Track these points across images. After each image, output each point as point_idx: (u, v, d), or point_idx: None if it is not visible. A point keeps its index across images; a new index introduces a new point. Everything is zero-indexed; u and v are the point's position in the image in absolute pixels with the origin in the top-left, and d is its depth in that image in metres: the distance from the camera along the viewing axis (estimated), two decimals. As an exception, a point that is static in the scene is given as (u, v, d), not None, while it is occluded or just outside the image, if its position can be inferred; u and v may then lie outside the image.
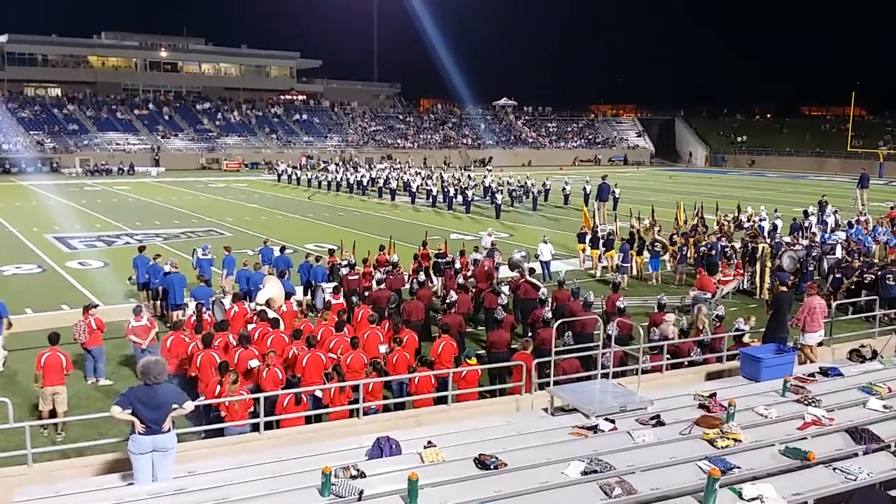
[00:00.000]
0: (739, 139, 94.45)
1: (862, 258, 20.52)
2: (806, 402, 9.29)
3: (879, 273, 18.56)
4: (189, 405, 7.72)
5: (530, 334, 14.96)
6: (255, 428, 9.77)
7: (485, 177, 48.04)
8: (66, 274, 23.13)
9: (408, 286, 18.17)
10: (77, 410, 11.56)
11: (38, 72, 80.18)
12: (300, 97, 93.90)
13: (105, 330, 13.90)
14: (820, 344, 13.31)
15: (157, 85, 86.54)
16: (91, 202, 42.71)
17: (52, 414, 11.13)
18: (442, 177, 49.99)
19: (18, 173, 59.35)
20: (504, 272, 20.25)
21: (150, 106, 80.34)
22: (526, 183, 44.69)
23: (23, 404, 11.15)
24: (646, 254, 23.22)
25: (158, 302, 18.13)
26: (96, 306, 14.37)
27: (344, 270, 18.33)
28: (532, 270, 18.14)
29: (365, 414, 10.40)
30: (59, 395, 11.30)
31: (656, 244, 23.14)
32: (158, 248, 23.89)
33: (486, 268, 18.74)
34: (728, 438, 7.89)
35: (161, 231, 31.67)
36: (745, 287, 21.56)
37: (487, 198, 42.35)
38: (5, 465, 8.29)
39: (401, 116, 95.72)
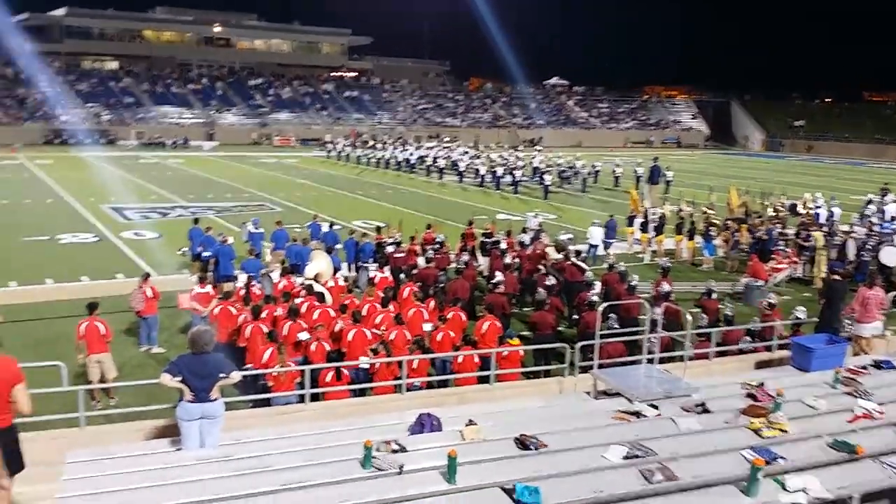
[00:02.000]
0: (797, 124, 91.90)
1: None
2: (857, 394, 9.07)
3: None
4: (236, 375, 7.87)
5: (576, 316, 14.93)
6: (302, 399, 9.93)
7: (533, 157, 47.69)
8: (121, 244, 23.71)
9: (454, 265, 18.21)
10: (130, 377, 11.88)
11: (95, 45, 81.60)
12: (351, 74, 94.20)
13: (160, 298, 14.26)
14: (881, 336, 12.97)
15: (210, 60, 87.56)
16: (146, 174, 43.60)
17: (103, 381, 11.48)
18: (490, 156, 49.77)
19: (76, 145, 60.75)
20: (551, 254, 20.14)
21: (204, 81, 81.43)
22: (575, 164, 44.24)
23: (76, 368, 11.49)
24: (698, 238, 22.85)
25: (209, 273, 18.48)
26: (149, 276, 14.75)
27: (390, 248, 18.44)
28: (577, 252, 18.03)
29: (408, 390, 10.49)
30: (105, 363, 11.61)
31: (711, 229, 22.76)
32: (211, 221, 24.31)
33: (537, 251, 18.63)
34: (774, 429, 7.76)
35: (214, 204, 32.23)
36: (798, 276, 21.10)
37: (536, 178, 42.05)
38: (59, 426, 8.58)
39: (450, 95, 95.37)
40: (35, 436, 8.03)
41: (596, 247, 21.99)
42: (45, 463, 6.35)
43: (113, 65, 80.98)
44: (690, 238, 22.91)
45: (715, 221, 23.43)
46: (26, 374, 6.68)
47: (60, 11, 78.80)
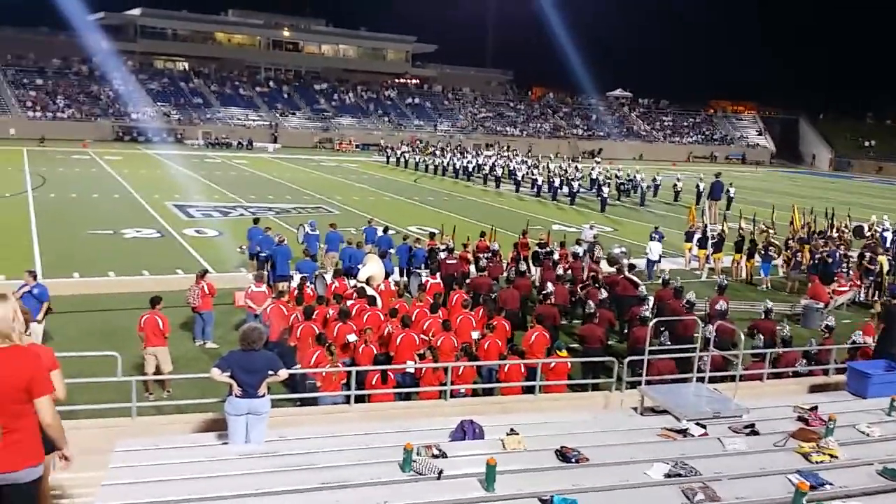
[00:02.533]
0: (867, 143, 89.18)
1: None
2: (914, 423, 8.78)
3: None
4: (283, 373, 8.01)
5: (626, 331, 14.76)
6: (347, 400, 10.06)
7: (592, 168, 47.31)
8: (183, 240, 24.33)
9: (505, 274, 18.18)
10: (184, 370, 12.17)
11: (167, 45, 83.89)
12: (414, 81, 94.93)
13: (216, 294, 14.59)
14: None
15: (278, 63, 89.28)
16: (210, 174, 44.66)
17: (158, 373, 11.81)
18: (548, 167, 49.57)
19: (145, 142, 62.58)
20: (603, 267, 19.96)
21: (271, 84, 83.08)
22: (635, 177, 43.74)
23: (130, 360, 11.84)
24: (757, 257, 22.35)
25: (266, 272, 18.85)
26: (206, 273, 15.11)
27: (442, 254, 18.52)
28: (632, 266, 17.82)
29: (453, 396, 10.52)
30: (161, 356, 11.88)
31: (770, 248, 22.22)
32: (270, 222, 24.78)
33: (589, 266, 18.47)
34: (824, 454, 7.55)
35: (273, 205, 32.83)
36: (861, 299, 20.46)
37: (594, 190, 41.72)
38: (111, 415, 8.87)
39: (511, 103, 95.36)
40: (86, 423, 8.32)
41: (655, 262, 21.64)
42: (94, 451, 6.56)
43: (184, 65, 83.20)
44: (749, 257, 22.43)
45: (774, 241, 22.86)
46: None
47: (136, 11, 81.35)
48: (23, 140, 56.50)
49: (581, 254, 19.48)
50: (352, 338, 11.72)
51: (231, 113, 74.78)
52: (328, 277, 15.61)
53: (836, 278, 19.80)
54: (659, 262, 21.64)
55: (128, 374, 10.04)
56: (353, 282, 15.59)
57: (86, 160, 47.89)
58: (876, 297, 19.53)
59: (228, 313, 15.74)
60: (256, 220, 20.83)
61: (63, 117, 65.40)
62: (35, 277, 13.08)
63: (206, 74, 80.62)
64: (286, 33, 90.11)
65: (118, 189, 35.36)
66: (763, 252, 22.10)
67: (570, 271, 17.93)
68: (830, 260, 21.03)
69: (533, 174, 45.98)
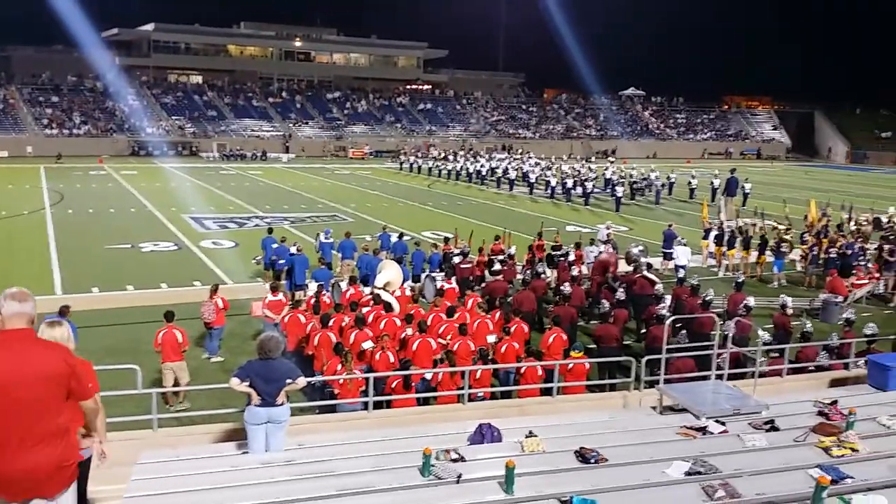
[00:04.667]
0: (884, 135, 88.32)
1: None
2: (936, 414, 8.69)
3: None
4: (302, 381, 8.06)
5: (643, 330, 14.72)
6: (366, 407, 10.10)
7: (606, 168, 47.24)
8: (200, 252, 24.52)
9: (520, 277, 18.18)
10: (203, 381, 12.27)
11: (181, 59, 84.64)
12: (426, 87, 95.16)
13: (229, 308, 14.65)
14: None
15: (290, 74, 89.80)
16: (225, 185, 44.97)
17: (177, 386, 11.90)
18: (561, 168, 49.51)
19: (160, 156, 63.08)
20: (621, 266, 19.88)
21: (284, 94, 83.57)
22: (649, 175, 43.56)
23: (151, 373, 11.94)
24: (768, 253, 22.14)
25: (282, 281, 18.96)
26: (219, 287, 15.12)
27: (457, 259, 18.54)
28: (649, 265, 17.76)
29: (471, 400, 10.54)
30: (178, 371, 11.96)
31: (783, 244, 22.00)
32: (285, 231, 24.91)
33: (602, 260, 18.43)
34: (845, 447, 7.50)
35: (289, 215, 33.01)
36: (880, 292, 20.27)
37: (608, 190, 41.62)
38: (133, 428, 8.96)
39: (524, 106, 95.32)
40: (109, 436, 8.38)
41: (683, 267, 20.71)
42: (117, 463, 6.62)
43: (197, 78, 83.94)
44: (761, 253, 22.21)
45: (786, 237, 22.60)
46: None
47: (148, 27, 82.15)
48: (40, 157, 57.21)
49: (596, 254, 19.39)
50: (367, 345, 11.75)
51: (245, 124, 75.27)
52: (344, 285, 15.66)
53: (854, 271, 19.62)
54: (685, 267, 20.92)
55: (148, 386, 10.13)
56: (368, 289, 15.65)
57: (102, 175, 48.39)
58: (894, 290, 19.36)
59: (245, 324, 15.85)
60: (270, 231, 20.97)
61: (79, 134, 66.15)
62: (63, 314, 12.95)
63: (219, 87, 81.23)
64: (298, 44, 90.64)
65: (134, 203, 35.70)
66: (776, 248, 21.86)
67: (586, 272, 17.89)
68: (849, 252, 20.87)
69: (546, 176, 45.93)
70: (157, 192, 40.30)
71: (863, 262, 20.34)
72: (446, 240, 21.67)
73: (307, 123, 78.92)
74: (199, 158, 64.79)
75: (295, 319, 13.03)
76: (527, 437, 7.88)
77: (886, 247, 21.18)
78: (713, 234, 23.59)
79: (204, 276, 20.47)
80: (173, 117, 72.61)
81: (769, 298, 18.59)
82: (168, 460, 7.42)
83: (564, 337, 12.46)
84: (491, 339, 12.48)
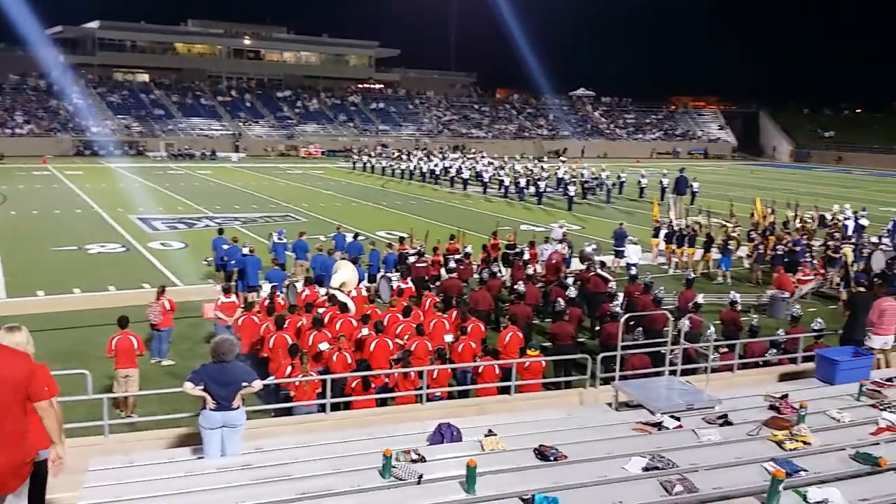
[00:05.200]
0: (826, 135, 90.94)
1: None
2: (881, 406, 8.94)
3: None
4: (258, 384, 7.95)
5: (598, 328, 14.88)
6: (323, 409, 10.00)
7: (558, 168, 47.67)
8: (148, 254, 24.03)
9: (476, 276, 18.22)
10: (154, 386, 12.02)
11: (126, 57, 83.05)
12: (378, 86, 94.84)
13: (176, 310, 14.34)
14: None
15: (240, 72, 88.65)
16: (174, 185, 44.17)
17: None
18: (514, 167, 49.82)
19: (106, 156, 61.65)
20: (575, 265, 20.07)
21: (233, 93, 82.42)
22: (600, 175, 44.13)
23: (101, 377, 11.64)
24: (714, 251, 22.54)
25: (234, 283, 18.67)
26: (166, 288, 14.75)
27: (412, 258, 18.50)
28: (602, 264, 17.97)
29: (429, 400, 10.51)
30: (131, 378, 11.63)
31: (730, 242, 22.39)
32: (236, 232, 24.54)
33: (553, 261, 18.59)
34: (797, 441, 7.68)
35: (240, 215, 32.56)
36: (825, 288, 20.82)
37: (560, 189, 42.02)
38: (83, 434, 8.72)
39: (476, 106, 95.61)
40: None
41: (634, 265, 20.84)
42: (68, 471, 6.43)
43: (144, 77, 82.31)
44: (707, 251, 22.60)
45: (733, 235, 23.04)
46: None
47: (94, 24, 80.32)
48: (-19, 158, 55.43)
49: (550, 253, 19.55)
50: (324, 346, 11.64)
51: (193, 123, 74.05)
52: (299, 286, 15.50)
53: (800, 268, 20.12)
54: (636, 264, 21.06)
55: (98, 392, 9.86)
56: (323, 289, 15.51)
57: (46, 176, 47.13)
58: (840, 286, 19.87)
59: (196, 326, 15.57)
60: (221, 231, 20.63)
61: (22, 133, 64.37)
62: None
63: (166, 85, 79.74)
64: (247, 42, 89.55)
65: (80, 204, 34.84)
66: (723, 246, 22.23)
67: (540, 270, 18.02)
68: (797, 248, 21.39)
69: (499, 175, 46.17)
70: (104, 192, 39.38)
71: (808, 259, 20.84)
72: (401, 239, 21.61)
73: (257, 122, 77.99)
74: (146, 158, 63.53)
75: (248, 322, 12.84)
76: (486, 435, 7.89)
77: (831, 244, 21.76)
78: (663, 232, 23.95)
79: (153, 277, 20.03)
80: (119, 116, 71.06)
81: (717, 295, 18.95)
82: (121, 467, 7.23)
83: (521, 335, 12.52)
84: (448, 338, 12.47)
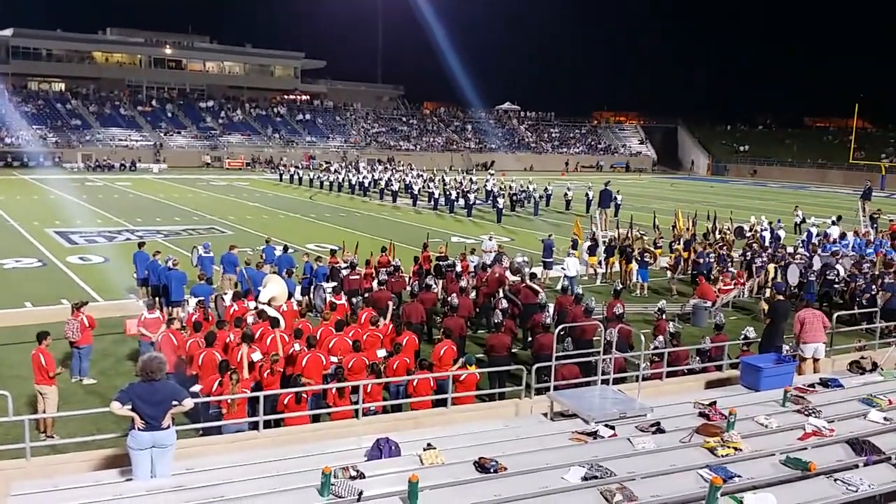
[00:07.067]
0: (742, 149, 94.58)
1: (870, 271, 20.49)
2: (806, 412, 9.26)
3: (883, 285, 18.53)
4: (188, 402, 7.71)
5: (529, 339, 14.97)
6: (255, 426, 9.74)
7: (487, 180, 48.09)
8: (67, 269, 23.10)
9: (408, 289, 18.13)
10: (78, 406, 11.48)
11: (42, 66, 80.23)
12: (304, 97, 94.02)
13: (96, 327, 13.74)
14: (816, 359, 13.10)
15: (161, 82, 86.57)
16: (92, 198, 42.69)
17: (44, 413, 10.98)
18: (444, 180, 50.03)
19: (21, 167, 59.30)
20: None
21: (154, 103, 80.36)
22: (528, 188, 44.72)
23: (21, 398, 11.09)
24: (633, 264, 22.90)
25: (157, 298, 18.09)
26: (86, 303, 14.05)
27: (345, 272, 18.30)
28: (533, 275, 18.13)
29: (364, 415, 10.38)
30: (47, 396, 11.04)
31: (646, 254, 22.77)
32: (159, 245, 23.88)
33: (497, 274, 18.55)
34: (728, 447, 7.88)
35: (162, 228, 31.66)
36: (744, 297, 21.52)
37: (489, 202, 42.39)
38: (3, 458, 8.27)
39: (404, 118, 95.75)
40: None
41: (573, 278, 20.75)
42: (-13, 497, 6.12)
43: (60, 86, 79.54)
44: (628, 262, 22.91)
45: (649, 247, 23.50)
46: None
47: (7, 32, 77.22)
48: None
49: (489, 264, 19.61)
50: (256, 356, 11.34)
51: (112, 134, 71.89)
52: (228, 299, 15.12)
53: (721, 277, 20.74)
54: (575, 277, 20.99)
55: (19, 413, 9.36)
56: (253, 304, 15.16)
57: (-46, 188, 44.91)
58: (761, 296, 20.54)
59: (119, 343, 15.02)
60: (142, 244, 19.96)
61: (-71, 143, 61.27)
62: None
63: (84, 95, 77.22)
64: (168, 51, 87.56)
65: (-8, 217, 33.30)
66: (639, 258, 22.57)
67: (473, 282, 18.06)
68: (714, 260, 22.06)
69: (429, 188, 46.29)
70: (19, 205, 37.78)
71: (729, 269, 21.50)
72: (333, 252, 21.36)
73: (179, 133, 76.19)
74: (63, 169, 61.28)
75: (168, 339, 12.37)
76: (425, 449, 7.84)
77: (749, 254, 22.54)
78: (586, 244, 24.38)
79: (72, 293, 19.24)
80: (34, 126, 68.39)
81: (643, 304, 19.38)
82: (44, 491, 6.90)
83: (455, 348, 12.50)
84: (381, 353, 12.34)
